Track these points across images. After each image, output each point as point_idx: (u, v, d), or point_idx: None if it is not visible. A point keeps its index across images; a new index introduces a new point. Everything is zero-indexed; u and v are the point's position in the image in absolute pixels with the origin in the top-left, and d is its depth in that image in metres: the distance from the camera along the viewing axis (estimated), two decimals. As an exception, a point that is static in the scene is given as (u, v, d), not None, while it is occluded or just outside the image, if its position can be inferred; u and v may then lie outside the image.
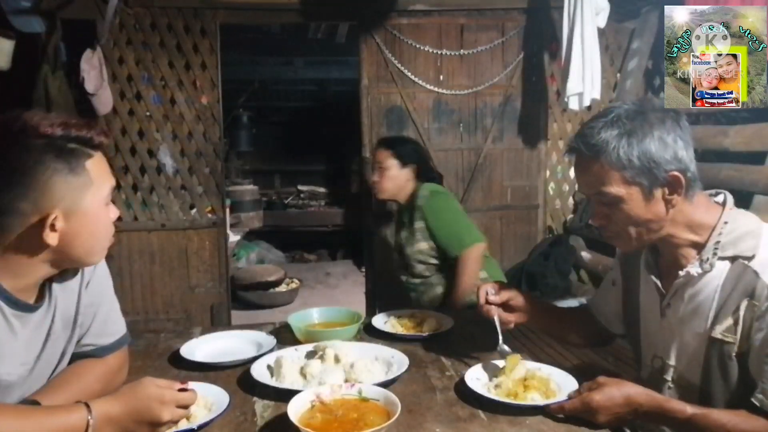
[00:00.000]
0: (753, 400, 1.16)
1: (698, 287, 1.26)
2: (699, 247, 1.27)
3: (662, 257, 1.36)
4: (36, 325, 1.17)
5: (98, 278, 1.29)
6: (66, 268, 1.19)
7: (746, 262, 1.20)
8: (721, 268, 1.23)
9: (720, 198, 1.32)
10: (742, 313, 1.19)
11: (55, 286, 1.21)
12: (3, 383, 1.11)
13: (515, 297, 1.55)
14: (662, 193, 1.22)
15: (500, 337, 1.50)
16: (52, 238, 1.07)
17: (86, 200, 1.10)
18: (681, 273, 1.28)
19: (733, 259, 1.22)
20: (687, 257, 1.29)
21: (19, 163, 1.04)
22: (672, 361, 1.34)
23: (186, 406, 1.13)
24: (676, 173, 1.20)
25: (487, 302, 1.53)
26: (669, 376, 1.35)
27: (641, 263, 1.43)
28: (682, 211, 1.25)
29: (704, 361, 1.26)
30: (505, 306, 1.54)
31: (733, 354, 1.21)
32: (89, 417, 1.01)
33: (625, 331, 1.55)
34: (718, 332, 1.23)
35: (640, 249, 1.39)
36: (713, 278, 1.24)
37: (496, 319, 1.52)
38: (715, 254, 1.24)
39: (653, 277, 1.36)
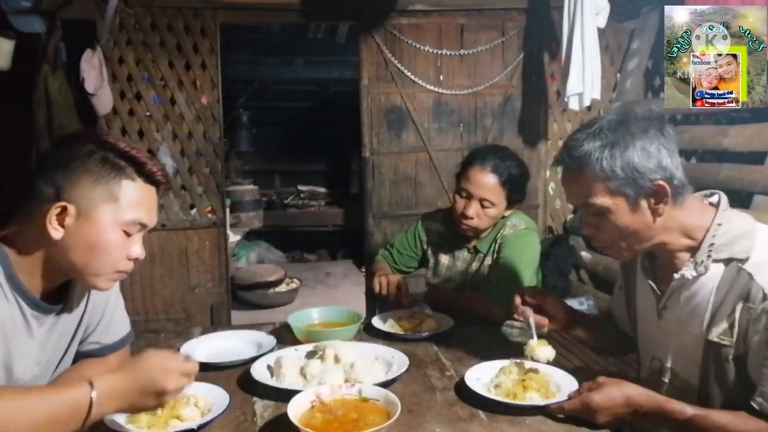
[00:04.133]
0: (752, 403, 1.16)
1: (693, 290, 1.26)
2: (694, 250, 1.26)
3: (658, 260, 1.35)
4: (51, 327, 1.19)
5: None
6: (70, 278, 1.20)
7: (740, 264, 1.20)
8: (716, 271, 1.23)
9: (714, 198, 1.31)
10: (737, 315, 1.19)
11: (72, 289, 1.24)
12: (18, 383, 1.13)
13: (554, 304, 1.51)
14: (648, 202, 1.22)
15: (534, 336, 1.46)
16: (55, 230, 1.09)
17: (101, 211, 1.11)
18: (676, 276, 1.28)
19: (727, 261, 1.22)
20: (682, 260, 1.28)
21: (65, 154, 1.11)
22: (669, 363, 1.34)
23: (189, 375, 1.13)
24: (660, 182, 1.20)
25: (523, 303, 1.49)
26: (667, 378, 1.35)
27: (638, 266, 1.43)
28: (674, 218, 1.24)
29: (701, 363, 1.26)
30: (542, 311, 1.50)
31: (730, 357, 1.21)
32: (92, 393, 1.01)
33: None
34: (714, 335, 1.22)
35: (632, 258, 1.38)
36: (708, 281, 1.24)
37: (531, 320, 1.48)
38: (709, 257, 1.23)
39: (649, 280, 1.36)
